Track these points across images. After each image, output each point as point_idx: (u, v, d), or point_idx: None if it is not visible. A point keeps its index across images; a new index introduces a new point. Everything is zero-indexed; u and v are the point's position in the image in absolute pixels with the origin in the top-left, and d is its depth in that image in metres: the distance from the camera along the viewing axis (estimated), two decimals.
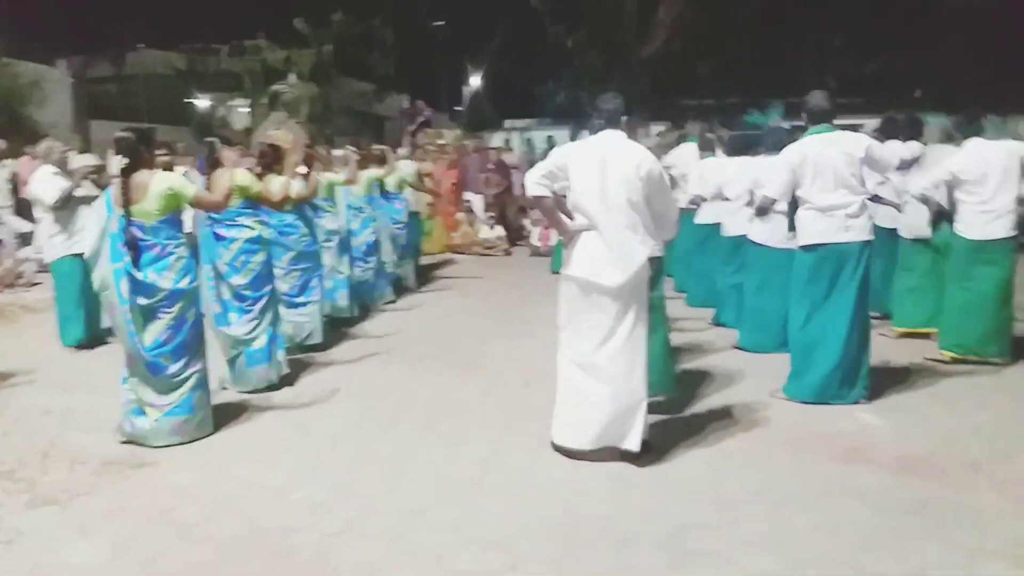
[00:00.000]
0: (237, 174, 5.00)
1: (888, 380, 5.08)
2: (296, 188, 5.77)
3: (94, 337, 6.37)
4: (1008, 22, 15.63)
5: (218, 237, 5.13)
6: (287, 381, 5.32)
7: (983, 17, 16.00)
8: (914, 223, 6.00)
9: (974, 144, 5.40)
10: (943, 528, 3.20)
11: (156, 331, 4.16)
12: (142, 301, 4.11)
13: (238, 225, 5.15)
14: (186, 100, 23.30)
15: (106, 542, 3.20)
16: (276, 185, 5.60)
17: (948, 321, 5.55)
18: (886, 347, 5.85)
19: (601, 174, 3.80)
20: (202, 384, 4.36)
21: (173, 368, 4.21)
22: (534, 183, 3.86)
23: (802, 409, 4.65)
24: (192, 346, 4.30)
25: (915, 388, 5.04)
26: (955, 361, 5.46)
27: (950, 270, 5.58)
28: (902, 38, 17.23)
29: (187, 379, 4.25)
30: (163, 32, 26.17)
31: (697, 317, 7.08)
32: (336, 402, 4.96)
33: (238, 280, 5.13)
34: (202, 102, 24.23)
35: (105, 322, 6.04)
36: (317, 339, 6.19)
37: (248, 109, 21.96)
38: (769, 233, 5.67)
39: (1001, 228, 5.30)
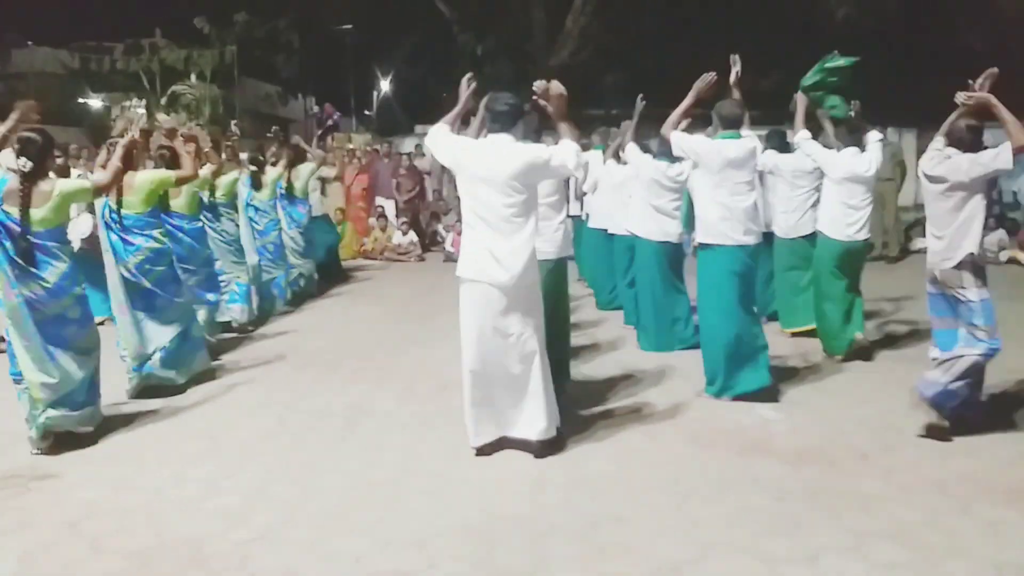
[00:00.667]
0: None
1: (782, 377, 5.39)
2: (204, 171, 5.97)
3: None
4: (890, 39, 16.72)
5: (125, 243, 5.06)
6: (188, 387, 5.26)
7: (867, 35, 17.06)
8: (789, 224, 6.49)
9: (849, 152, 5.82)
10: (835, 513, 3.44)
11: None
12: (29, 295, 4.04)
13: (144, 234, 5.10)
14: (79, 100, 22.21)
15: (12, 557, 3.08)
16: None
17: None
18: (779, 346, 6.19)
19: (485, 178, 3.89)
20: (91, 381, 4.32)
21: (64, 361, 4.14)
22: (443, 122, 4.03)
23: (705, 405, 4.89)
24: (77, 344, 4.21)
25: (807, 384, 5.36)
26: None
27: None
28: (794, 56, 18.16)
29: (77, 374, 4.18)
30: (53, 29, 24.88)
31: (607, 319, 7.29)
32: (248, 412, 4.88)
33: (145, 284, 5.06)
34: (95, 102, 23.16)
35: None
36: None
37: (144, 110, 21.11)
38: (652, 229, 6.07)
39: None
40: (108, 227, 5.08)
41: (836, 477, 3.82)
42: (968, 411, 4.35)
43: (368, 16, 19.08)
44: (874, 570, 2.97)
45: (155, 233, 5.16)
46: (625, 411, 4.81)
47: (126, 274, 5.03)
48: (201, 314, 5.85)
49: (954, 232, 4.22)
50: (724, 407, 4.86)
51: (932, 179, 4.32)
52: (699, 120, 6.47)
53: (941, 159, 4.28)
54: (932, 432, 4.28)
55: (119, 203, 5.06)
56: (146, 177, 5.15)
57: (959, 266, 4.21)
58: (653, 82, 18.65)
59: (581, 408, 4.78)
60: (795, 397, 5.06)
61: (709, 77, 4.75)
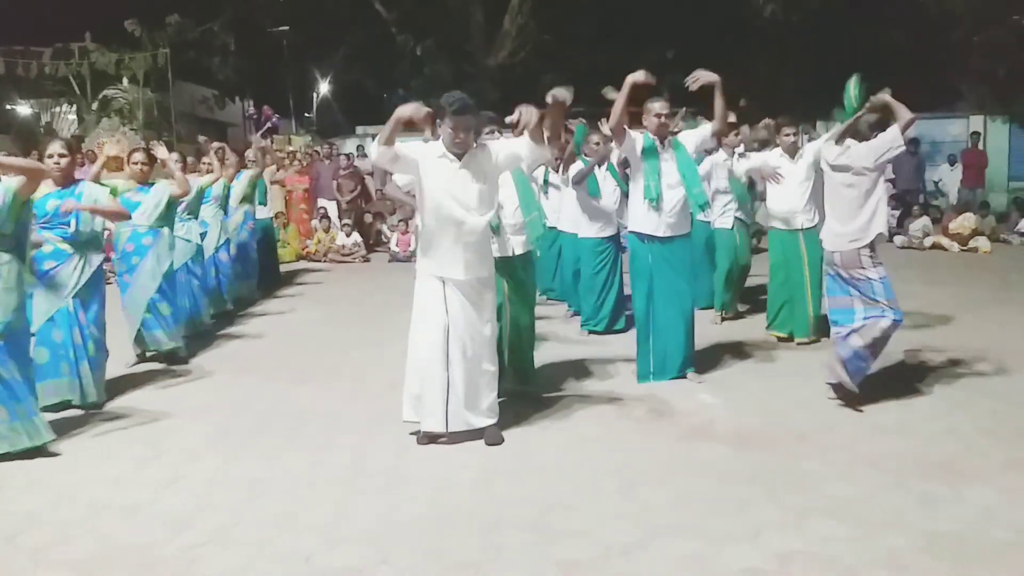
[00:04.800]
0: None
1: (721, 362, 5.58)
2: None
3: None
4: (815, 35, 17.23)
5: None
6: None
7: (796, 33, 17.55)
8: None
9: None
10: (776, 493, 3.55)
11: None
12: None
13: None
14: (7, 106, 21.38)
15: None
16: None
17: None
18: (716, 332, 6.42)
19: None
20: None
21: None
22: (377, 149, 4.02)
23: (647, 392, 5.00)
24: None
25: (744, 369, 5.53)
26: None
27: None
28: (726, 52, 18.60)
29: None
30: None
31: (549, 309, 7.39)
32: (191, 417, 4.80)
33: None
34: (23, 108, 22.33)
35: None
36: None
37: (75, 115, 20.47)
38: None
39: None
40: None
41: (776, 458, 3.95)
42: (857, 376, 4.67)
43: (305, 17, 18.85)
44: (813, 544, 3.08)
45: None
46: (571, 399, 4.89)
47: None
48: None
49: (865, 215, 4.59)
50: (667, 392, 4.98)
51: (836, 168, 4.71)
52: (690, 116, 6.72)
53: (842, 151, 4.70)
54: (841, 392, 4.63)
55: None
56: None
57: (867, 247, 4.59)
58: (590, 81, 19.00)
59: (527, 398, 4.83)
60: (733, 382, 5.21)
61: (638, 77, 4.75)
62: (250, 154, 9.20)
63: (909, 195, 13.77)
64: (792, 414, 4.58)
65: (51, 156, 4.86)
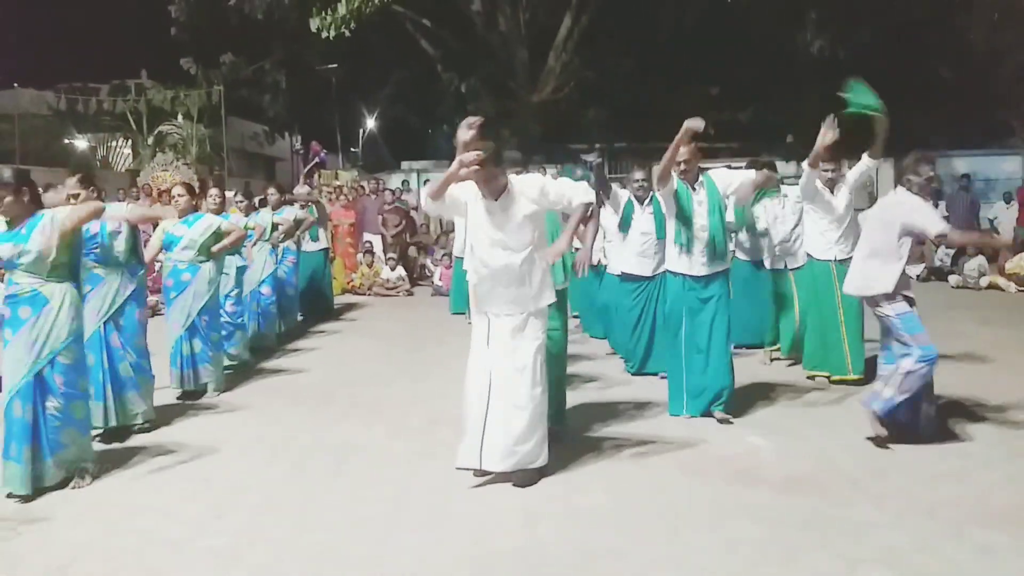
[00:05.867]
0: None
1: (769, 404, 5.48)
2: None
3: None
4: (865, 71, 17.10)
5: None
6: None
7: (839, 68, 17.43)
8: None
9: None
10: (827, 540, 3.45)
11: None
12: None
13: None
14: (65, 141, 22.25)
15: None
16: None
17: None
18: (765, 373, 6.28)
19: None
20: None
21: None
22: (426, 200, 4.16)
23: (694, 433, 4.91)
24: None
25: (793, 411, 5.41)
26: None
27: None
28: (771, 89, 18.53)
29: None
30: (39, 71, 24.98)
31: (591, 347, 7.34)
32: (238, 450, 4.85)
33: None
34: (81, 142, 23.20)
35: None
36: None
37: (131, 150, 21.20)
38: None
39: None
40: None
41: (827, 504, 3.84)
42: (911, 423, 4.62)
43: (353, 55, 19.30)
44: None
45: None
46: (614, 439, 4.82)
47: None
48: None
49: (871, 265, 4.67)
50: (713, 434, 4.89)
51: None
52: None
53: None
54: (876, 442, 4.57)
55: None
56: None
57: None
58: (633, 117, 19.05)
59: (572, 438, 4.79)
60: (783, 424, 5.10)
61: (697, 125, 4.65)
62: (299, 190, 9.34)
63: None
64: (843, 458, 4.46)
65: (70, 190, 4.99)
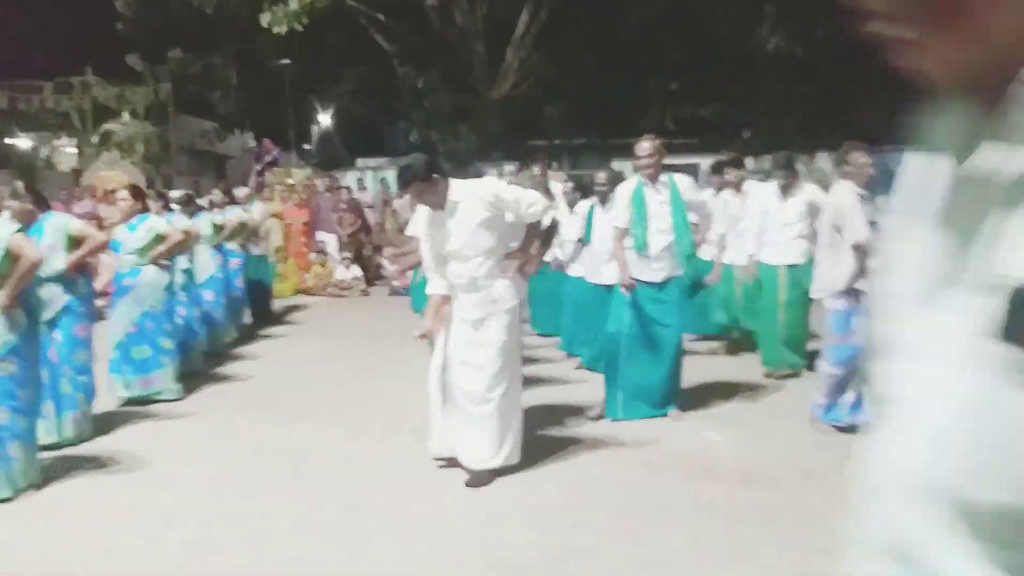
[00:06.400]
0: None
1: (724, 398, 5.52)
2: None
3: None
4: (817, 69, 17.37)
5: None
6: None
7: (797, 65, 17.69)
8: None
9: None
10: (783, 532, 3.49)
11: None
12: None
13: None
14: (6, 140, 21.57)
15: None
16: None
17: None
18: (722, 367, 6.35)
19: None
20: None
21: None
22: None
23: (650, 431, 4.93)
24: None
25: (745, 404, 5.49)
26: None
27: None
28: (730, 84, 18.73)
29: None
30: None
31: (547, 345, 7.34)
32: (189, 457, 4.73)
33: None
34: (23, 142, 22.50)
35: None
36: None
37: (76, 149, 20.62)
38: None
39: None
40: None
41: (782, 497, 3.89)
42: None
43: (306, 50, 19.01)
44: None
45: None
46: (569, 439, 4.82)
47: None
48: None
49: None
50: (669, 431, 4.92)
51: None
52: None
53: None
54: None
55: None
56: None
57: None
58: (594, 112, 19.12)
59: (529, 437, 4.76)
60: (738, 419, 5.15)
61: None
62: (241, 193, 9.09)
63: None
64: (797, 451, 4.52)
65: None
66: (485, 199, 3.99)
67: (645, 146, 4.93)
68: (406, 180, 4.05)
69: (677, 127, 19.99)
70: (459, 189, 4.05)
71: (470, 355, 4.11)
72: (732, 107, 18.69)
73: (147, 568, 3.31)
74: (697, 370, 5.99)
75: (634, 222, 4.97)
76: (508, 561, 3.31)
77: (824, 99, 16.83)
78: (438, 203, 4.04)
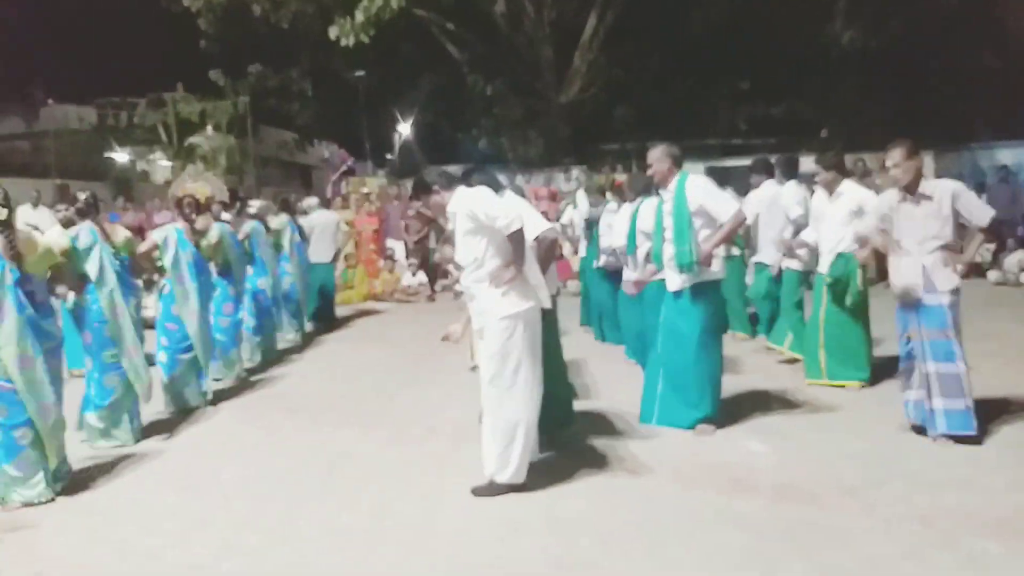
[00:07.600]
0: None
1: (771, 409, 5.32)
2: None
3: None
4: (898, 62, 16.63)
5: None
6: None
7: (875, 59, 16.98)
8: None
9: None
10: (809, 548, 3.33)
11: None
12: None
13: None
14: (105, 155, 22.86)
15: None
16: None
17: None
18: (768, 375, 6.14)
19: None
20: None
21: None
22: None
23: (692, 441, 4.80)
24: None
25: (794, 415, 5.25)
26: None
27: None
28: (803, 82, 18.14)
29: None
30: (75, 87, 25.69)
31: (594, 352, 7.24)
32: (230, 458, 4.88)
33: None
34: (120, 156, 23.78)
35: None
36: None
37: (169, 162, 21.64)
38: None
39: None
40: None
41: (816, 512, 3.71)
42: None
43: (380, 62, 19.43)
44: None
45: None
46: (608, 447, 4.73)
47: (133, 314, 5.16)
48: None
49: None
50: (711, 441, 4.77)
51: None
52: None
53: None
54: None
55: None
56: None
57: None
58: (662, 115, 18.82)
59: (561, 445, 4.71)
60: (782, 429, 4.94)
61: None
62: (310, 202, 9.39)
63: (1004, 227, 12.87)
64: (843, 466, 4.29)
65: None
66: (464, 211, 3.97)
67: (650, 153, 4.87)
68: (413, 191, 4.24)
69: (750, 127, 19.47)
70: (453, 200, 4.07)
71: (480, 363, 4.11)
72: (806, 105, 18.10)
73: (164, 570, 3.42)
74: (742, 378, 5.80)
75: (653, 235, 5.06)
76: (516, 571, 3.27)
77: (906, 93, 16.10)
78: (440, 213, 4.12)
